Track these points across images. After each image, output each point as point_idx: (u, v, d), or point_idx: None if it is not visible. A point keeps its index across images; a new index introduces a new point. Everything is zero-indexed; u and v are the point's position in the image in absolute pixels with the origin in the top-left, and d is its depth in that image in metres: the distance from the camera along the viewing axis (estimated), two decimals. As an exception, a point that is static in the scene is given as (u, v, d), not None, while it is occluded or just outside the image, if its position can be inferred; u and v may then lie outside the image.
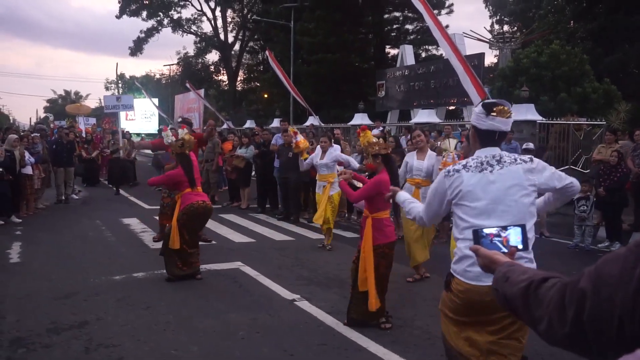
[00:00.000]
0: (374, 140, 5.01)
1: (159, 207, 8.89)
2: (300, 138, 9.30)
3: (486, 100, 3.05)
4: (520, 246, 1.75)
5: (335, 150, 9.68)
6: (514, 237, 1.75)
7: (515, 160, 2.88)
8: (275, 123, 24.24)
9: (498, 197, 2.80)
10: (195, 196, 6.53)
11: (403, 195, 3.45)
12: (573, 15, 26.36)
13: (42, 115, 78.56)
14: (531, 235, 2.79)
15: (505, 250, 1.71)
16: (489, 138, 2.93)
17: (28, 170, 10.98)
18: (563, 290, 1.16)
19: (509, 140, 11.85)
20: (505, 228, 1.78)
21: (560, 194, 3.05)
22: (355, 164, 8.87)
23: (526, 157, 2.94)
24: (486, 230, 1.77)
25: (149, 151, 20.93)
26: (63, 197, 13.32)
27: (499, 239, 1.75)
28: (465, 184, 2.85)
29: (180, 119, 9.46)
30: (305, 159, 9.27)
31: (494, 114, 2.87)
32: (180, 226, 6.39)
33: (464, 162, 2.94)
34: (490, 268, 1.57)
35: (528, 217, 2.82)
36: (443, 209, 3.02)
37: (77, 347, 4.49)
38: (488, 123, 2.89)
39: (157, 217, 9.06)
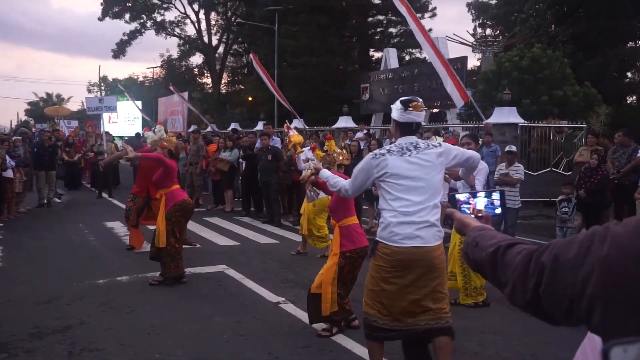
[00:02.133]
0: (339, 151, 5.16)
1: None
2: (292, 132, 9.09)
3: (403, 98, 3.60)
4: (498, 210, 1.81)
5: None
6: (481, 203, 1.82)
7: (428, 145, 3.53)
8: (260, 126, 24.22)
9: (417, 175, 3.41)
10: (182, 193, 6.65)
11: (325, 172, 4.10)
12: (554, 20, 26.66)
13: (23, 118, 77.69)
14: (439, 207, 3.50)
15: (472, 216, 1.78)
16: (407, 129, 3.57)
17: (9, 173, 10.86)
18: (528, 259, 1.20)
19: (489, 144, 11.95)
20: (474, 195, 1.84)
21: (467, 166, 3.86)
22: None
23: (436, 142, 3.71)
24: (458, 196, 1.84)
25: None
26: (45, 201, 13.18)
27: (468, 205, 1.82)
28: (391, 166, 3.43)
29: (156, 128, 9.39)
30: (301, 153, 9.10)
31: (411, 108, 3.50)
32: (172, 224, 6.35)
33: (387, 147, 3.57)
34: (463, 232, 1.64)
35: (438, 190, 3.50)
36: (367, 184, 3.68)
37: (61, 351, 4.46)
38: (406, 116, 3.52)
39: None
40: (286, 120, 11.17)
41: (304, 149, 11.22)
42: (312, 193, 7.65)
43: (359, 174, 3.62)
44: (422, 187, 3.40)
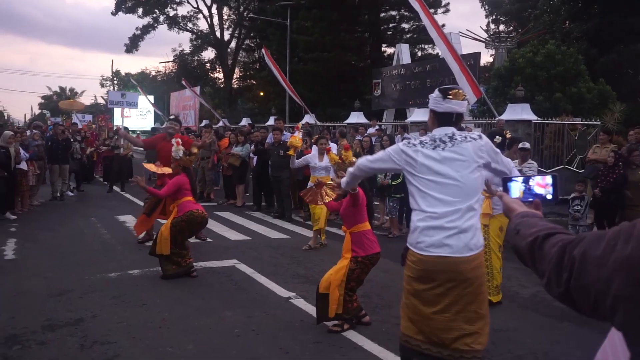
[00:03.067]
0: (354, 160, 5.01)
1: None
2: (296, 134, 9.06)
3: (441, 87, 3.28)
4: (549, 196, 1.76)
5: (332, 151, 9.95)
6: (539, 188, 1.77)
7: (466, 138, 3.10)
8: (271, 121, 24.26)
9: (447, 172, 3.02)
10: (195, 204, 6.68)
11: (344, 181, 3.87)
12: (568, 16, 26.42)
13: (37, 111, 78.34)
14: (478, 210, 3.08)
15: (531, 199, 1.73)
16: (446, 119, 3.18)
17: (23, 165, 10.96)
18: (562, 252, 1.19)
19: (503, 140, 11.88)
20: (530, 178, 1.80)
21: (495, 175, 3.26)
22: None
23: (476, 134, 3.16)
24: (515, 179, 1.81)
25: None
26: (58, 194, 13.28)
27: (526, 186, 1.78)
28: (421, 158, 3.08)
29: (172, 117, 9.41)
30: (292, 156, 9.02)
31: (450, 97, 3.15)
32: (175, 232, 6.41)
33: (421, 138, 3.20)
34: (509, 217, 1.61)
35: (475, 191, 3.05)
36: (385, 166, 3.44)
37: (73, 344, 4.49)
38: (445, 106, 3.16)
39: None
40: (300, 123, 11.08)
41: (309, 148, 11.22)
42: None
43: (384, 154, 3.31)
44: (453, 186, 3.00)
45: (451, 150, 3.05)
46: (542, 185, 1.78)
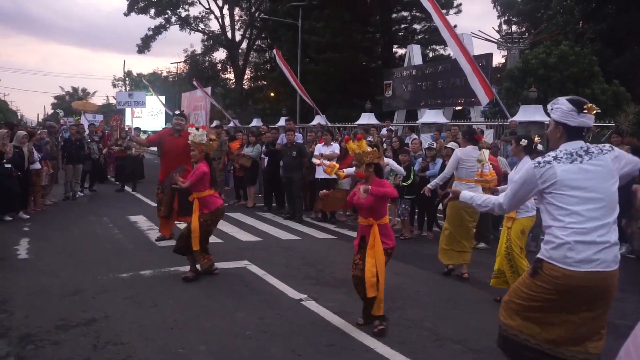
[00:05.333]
0: (369, 150, 4.95)
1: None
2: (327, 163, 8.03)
3: (568, 98, 3.16)
4: None
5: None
6: None
7: (602, 150, 3.06)
8: (282, 122, 24.27)
9: (592, 186, 2.97)
10: (218, 199, 6.71)
11: (467, 193, 3.69)
12: (582, 16, 26.23)
13: (49, 111, 78.95)
14: (616, 222, 3.03)
15: None
16: (578, 134, 3.11)
17: (36, 165, 11.03)
18: None
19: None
20: None
21: (633, 173, 3.24)
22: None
23: (607, 146, 3.12)
24: None
25: (154, 148, 20.92)
26: (71, 194, 13.37)
27: None
28: (560, 174, 3.00)
29: (177, 112, 9.36)
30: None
31: (585, 111, 3.06)
32: (206, 226, 6.46)
33: (553, 154, 3.09)
34: None
35: (616, 203, 3.04)
36: (528, 197, 3.23)
37: (85, 344, 4.50)
38: (579, 120, 3.07)
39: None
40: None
41: (315, 145, 11.25)
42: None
43: (520, 188, 3.18)
44: (598, 199, 2.96)
45: (590, 163, 3.01)
46: None
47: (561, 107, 3.11)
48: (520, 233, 5.75)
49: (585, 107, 3.06)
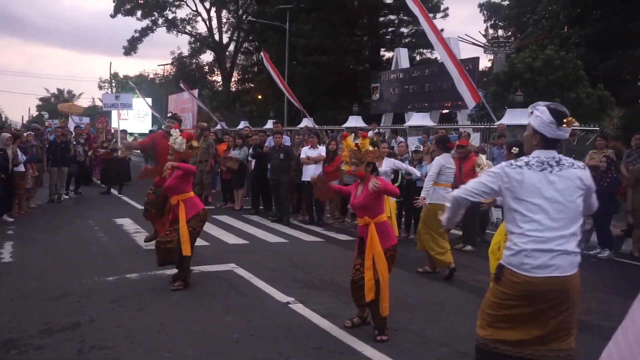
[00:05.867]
0: (370, 149, 4.89)
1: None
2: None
3: (551, 107, 3.15)
4: None
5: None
6: None
7: (573, 164, 3.10)
8: (269, 124, 24.25)
9: (555, 197, 3.01)
10: (200, 201, 6.54)
11: (445, 216, 3.55)
12: (567, 21, 26.50)
13: (34, 113, 78.19)
14: (579, 235, 3.07)
15: None
16: (553, 144, 3.15)
17: (21, 168, 10.91)
18: None
19: (500, 146, 11.89)
20: None
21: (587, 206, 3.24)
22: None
23: (580, 163, 3.16)
24: None
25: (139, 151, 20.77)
26: (56, 197, 13.25)
27: None
28: (527, 181, 3.03)
29: (170, 114, 9.28)
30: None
31: (565, 125, 3.09)
32: (195, 234, 6.31)
33: (525, 159, 3.13)
34: None
35: (579, 216, 3.06)
36: (489, 192, 3.21)
37: (70, 348, 4.45)
38: (557, 133, 3.11)
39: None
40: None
41: (303, 148, 11.26)
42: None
43: (488, 178, 3.21)
44: (560, 210, 3.00)
45: (559, 174, 3.04)
46: None
47: (541, 116, 3.12)
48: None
49: (565, 120, 3.09)
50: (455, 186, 8.60)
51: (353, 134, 8.23)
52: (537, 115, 3.15)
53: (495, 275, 3.15)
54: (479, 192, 3.23)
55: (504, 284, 3.06)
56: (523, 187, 3.04)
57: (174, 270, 6.47)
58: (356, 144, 4.97)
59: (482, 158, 6.79)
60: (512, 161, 3.16)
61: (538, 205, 3.00)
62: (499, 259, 3.49)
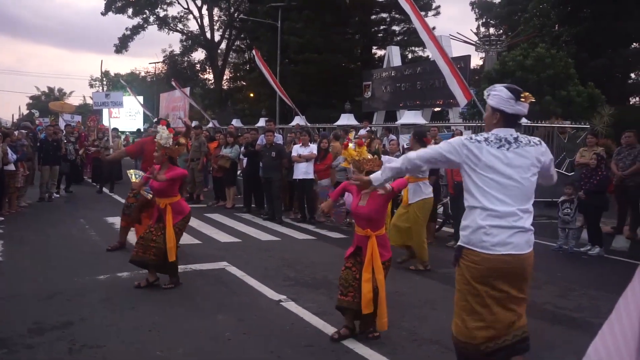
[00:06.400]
0: (369, 157, 4.78)
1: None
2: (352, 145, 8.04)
3: (506, 85, 3.25)
4: None
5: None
6: None
7: (529, 141, 3.16)
8: (262, 122, 24.21)
9: (511, 173, 3.06)
10: (186, 204, 6.46)
11: (375, 176, 3.61)
12: (558, 19, 26.62)
13: (25, 112, 77.67)
14: (532, 212, 3.14)
15: None
16: (512, 121, 3.22)
17: (11, 166, 10.83)
18: None
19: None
20: None
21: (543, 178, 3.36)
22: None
23: (536, 139, 3.23)
24: None
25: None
26: (47, 195, 13.16)
27: None
28: (485, 156, 3.08)
29: (156, 120, 9.15)
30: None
31: (523, 99, 3.16)
32: (179, 236, 6.25)
33: (485, 135, 3.18)
34: None
35: (532, 194, 3.14)
36: (442, 161, 3.26)
37: (61, 348, 4.43)
38: (516, 108, 3.16)
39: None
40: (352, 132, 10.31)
41: (295, 146, 11.24)
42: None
43: (443, 147, 3.23)
44: (515, 187, 3.06)
45: (515, 152, 3.10)
46: None
47: (499, 94, 3.18)
48: None
49: (522, 95, 3.16)
50: (444, 184, 8.79)
51: (350, 135, 8.24)
52: (495, 94, 3.21)
53: (455, 258, 3.20)
54: (433, 159, 3.29)
55: (465, 267, 3.12)
56: (480, 161, 3.09)
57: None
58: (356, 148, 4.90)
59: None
60: (472, 135, 3.22)
61: (494, 180, 3.05)
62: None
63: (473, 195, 3.12)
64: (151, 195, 6.77)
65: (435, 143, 8.23)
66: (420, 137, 7.47)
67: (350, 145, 4.95)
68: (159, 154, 6.25)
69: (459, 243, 3.20)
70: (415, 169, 3.55)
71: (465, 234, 3.14)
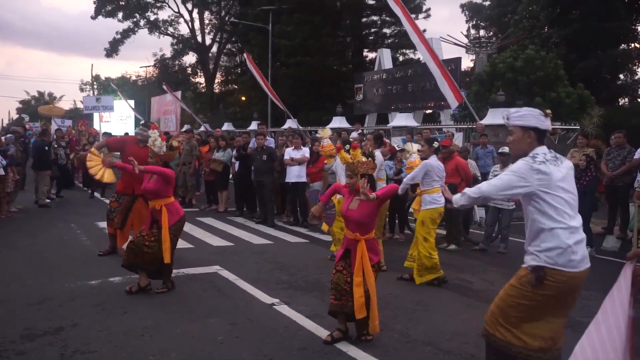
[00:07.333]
0: (364, 160, 4.81)
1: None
2: (326, 143, 8.08)
3: (526, 107, 3.35)
4: None
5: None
6: None
7: (563, 158, 3.29)
8: (253, 126, 24.20)
9: (571, 187, 3.18)
10: (180, 206, 6.42)
11: (456, 196, 3.57)
12: (548, 21, 26.75)
13: (14, 116, 77.20)
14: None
15: None
16: (544, 137, 3.28)
17: (0, 171, 10.75)
18: None
19: (484, 145, 11.98)
20: None
21: None
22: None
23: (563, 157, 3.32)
24: None
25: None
26: (41, 200, 13.08)
27: None
28: (554, 175, 3.10)
29: (142, 122, 9.07)
30: (329, 164, 8.95)
31: (548, 115, 3.28)
32: (175, 239, 6.22)
33: (537, 156, 3.16)
34: None
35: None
36: (515, 191, 3.18)
37: (52, 353, 4.40)
38: (547, 124, 3.25)
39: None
40: (325, 129, 10.27)
41: (287, 149, 11.25)
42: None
43: (511, 178, 3.15)
44: (575, 200, 3.18)
45: (564, 167, 3.18)
46: None
47: (530, 112, 3.24)
48: (420, 224, 6.81)
49: (545, 112, 3.27)
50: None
51: (324, 132, 8.30)
52: (524, 114, 3.24)
53: (537, 279, 3.10)
54: (507, 194, 3.24)
55: (547, 286, 3.09)
56: (552, 181, 3.10)
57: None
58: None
59: (412, 145, 7.16)
60: (531, 159, 3.16)
61: (563, 198, 3.12)
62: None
63: (550, 217, 3.10)
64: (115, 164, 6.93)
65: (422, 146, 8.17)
66: (377, 139, 8.13)
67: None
68: (154, 160, 6.28)
69: (539, 264, 3.11)
70: (491, 200, 3.71)
71: (550, 255, 3.08)
